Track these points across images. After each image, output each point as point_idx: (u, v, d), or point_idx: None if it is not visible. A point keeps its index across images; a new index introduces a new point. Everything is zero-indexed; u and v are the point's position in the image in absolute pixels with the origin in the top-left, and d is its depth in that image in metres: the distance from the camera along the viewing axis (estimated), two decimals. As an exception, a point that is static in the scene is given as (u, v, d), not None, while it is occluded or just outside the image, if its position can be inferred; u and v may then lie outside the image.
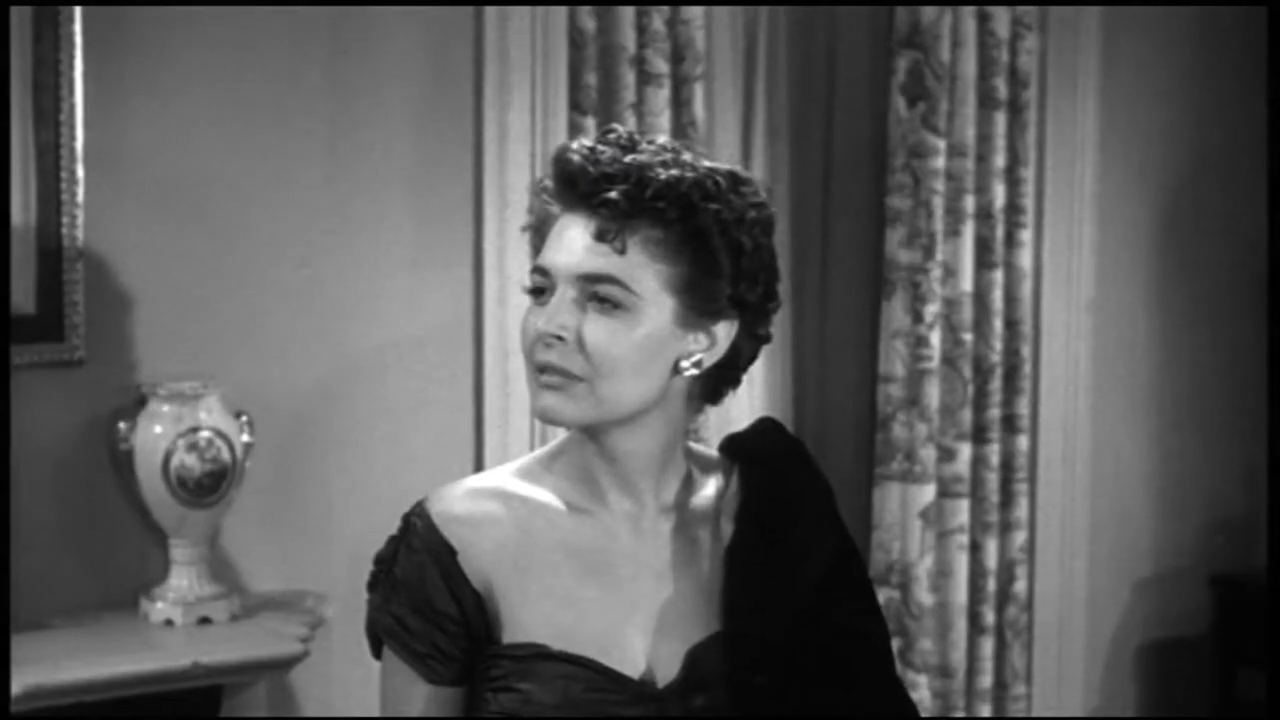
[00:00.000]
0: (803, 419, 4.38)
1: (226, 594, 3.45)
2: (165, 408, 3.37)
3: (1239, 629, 4.73)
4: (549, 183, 1.87)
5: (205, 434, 3.37)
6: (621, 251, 1.80)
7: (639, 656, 1.86)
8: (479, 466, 3.78)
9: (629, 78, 3.88)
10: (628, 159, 1.82)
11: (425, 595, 1.87)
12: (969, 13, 4.31)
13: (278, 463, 3.63)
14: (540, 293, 1.84)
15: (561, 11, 3.83)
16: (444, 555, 1.87)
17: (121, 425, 3.38)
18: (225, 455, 3.39)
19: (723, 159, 1.93)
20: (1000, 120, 4.37)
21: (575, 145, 1.84)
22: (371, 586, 1.93)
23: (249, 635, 3.37)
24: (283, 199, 3.64)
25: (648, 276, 1.80)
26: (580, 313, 1.81)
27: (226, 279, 3.59)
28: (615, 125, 1.89)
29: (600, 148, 1.83)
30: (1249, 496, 4.96)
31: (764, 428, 2.01)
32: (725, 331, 1.86)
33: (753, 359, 1.93)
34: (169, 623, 3.38)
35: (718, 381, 1.91)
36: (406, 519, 1.91)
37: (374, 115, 3.71)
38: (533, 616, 1.86)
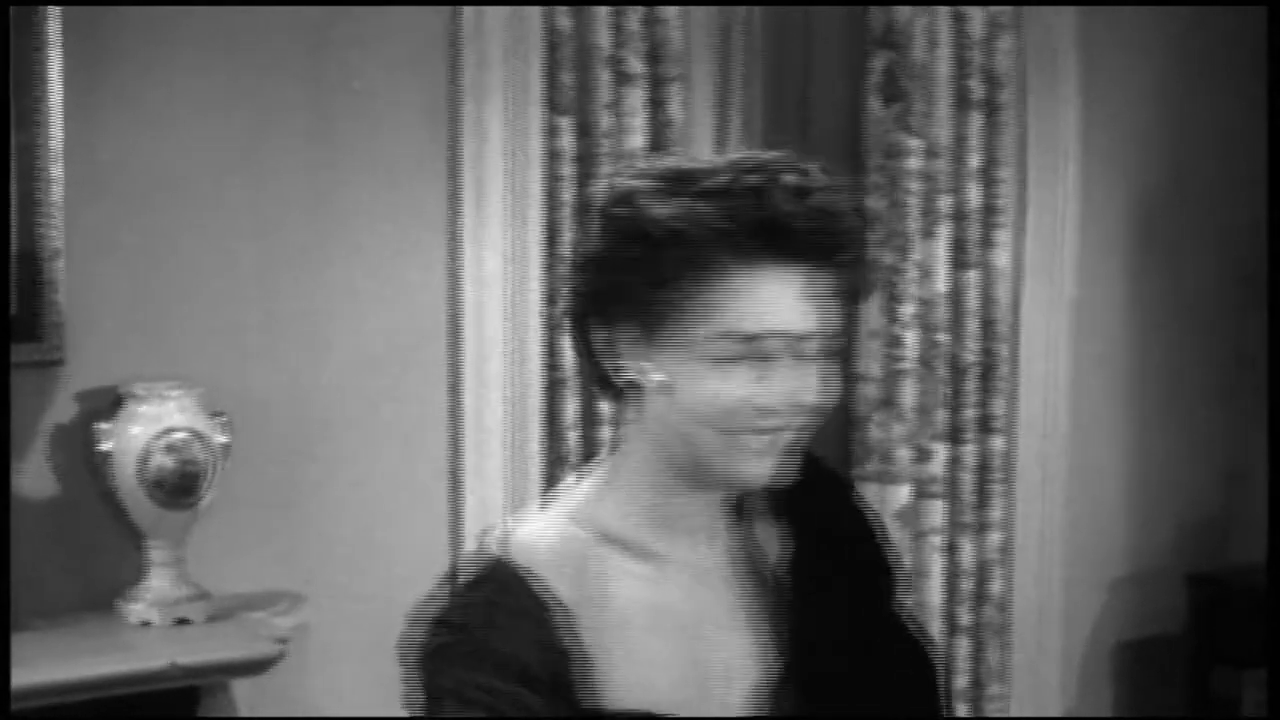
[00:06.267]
0: (779, 419, 4.38)
1: (204, 595, 3.43)
2: (142, 408, 3.35)
3: (1215, 627, 4.75)
4: (726, 226, 1.69)
5: (181, 435, 3.36)
6: (827, 309, 1.74)
7: (720, 709, 1.80)
8: (455, 468, 3.78)
9: (605, 77, 3.88)
10: (821, 201, 1.71)
11: (516, 658, 1.73)
12: (944, 13, 4.32)
13: (255, 463, 3.62)
14: (741, 358, 1.72)
15: (537, 11, 3.83)
16: (536, 611, 1.76)
17: (99, 426, 3.38)
18: (202, 456, 3.38)
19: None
20: (975, 120, 4.38)
21: (786, 183, 1.70)
22: (431, 648, 1.77)
23: (226, 636, 3.36)
24: (261, 198, 3.63)
25: (836, 316, 1.76)
26: (803, 372, 1.75)
27: (205, 279, 3.59)
28: (795, 160, 1.74)
29: (808, 186, 1.71)
30: (1226, 496, 4.98)
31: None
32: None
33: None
34: (146, 624, 3.37)
35: None
36: (480, 569, 1.79)
37: (352, 116, 3.71)
38: (624, 679, 1.77)
